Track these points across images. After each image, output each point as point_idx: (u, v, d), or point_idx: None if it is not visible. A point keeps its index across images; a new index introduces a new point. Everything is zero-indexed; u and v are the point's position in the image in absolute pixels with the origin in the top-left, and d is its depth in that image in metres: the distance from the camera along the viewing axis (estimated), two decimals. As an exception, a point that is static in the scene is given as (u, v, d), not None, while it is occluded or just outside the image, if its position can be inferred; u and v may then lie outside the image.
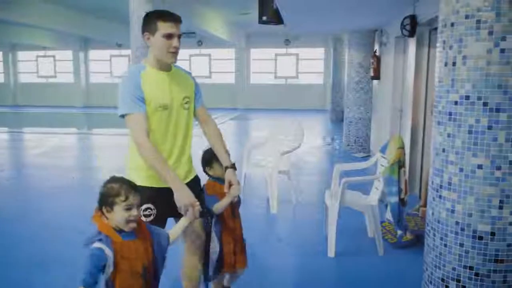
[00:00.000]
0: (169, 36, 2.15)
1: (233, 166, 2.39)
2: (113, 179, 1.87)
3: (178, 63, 2.36)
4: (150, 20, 2.18)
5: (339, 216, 3.58)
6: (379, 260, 3.58)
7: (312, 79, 17.85)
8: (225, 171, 2.37)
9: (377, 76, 7.38)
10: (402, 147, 3.59)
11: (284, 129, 5.63)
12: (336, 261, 3.55)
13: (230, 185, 2.36)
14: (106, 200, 1.80)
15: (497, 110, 2.03)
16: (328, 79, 15.45)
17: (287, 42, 17.17)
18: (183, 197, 2.08)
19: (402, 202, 3.56)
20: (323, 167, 7.48)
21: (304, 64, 17.92)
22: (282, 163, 5.03)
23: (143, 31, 2.22)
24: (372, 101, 8.13)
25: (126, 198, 1.79)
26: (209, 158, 2.54)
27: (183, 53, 17.70)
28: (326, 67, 17.05)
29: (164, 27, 2.15)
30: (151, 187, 2.19)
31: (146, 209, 2.12)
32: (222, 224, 2.52)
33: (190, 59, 17.78)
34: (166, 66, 2.25)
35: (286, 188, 5.13)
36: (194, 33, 14.68)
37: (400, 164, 3.52)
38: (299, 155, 7.67)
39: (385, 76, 7.06)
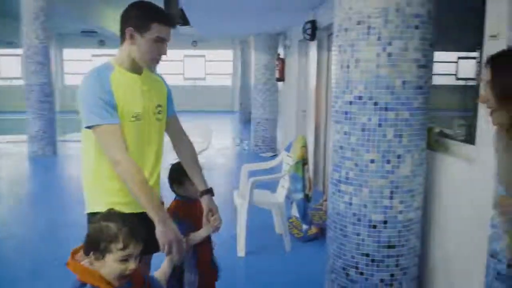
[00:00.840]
0: (161, 41, 1.81)
1: (211, 191, 2.05)
2: (111, 216, 1.43)
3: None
4: (143, 17, 1.79)
5: (248, 215, 3.65)
6: (287, 255, 3.72)
7: (221, 81, 17.95)
8: (201, 196, 2.04)
9: (282, 78, 7.65)
10: (305, 146, 3.77)
11: (192, 131, 5.60)
12: (246, 260, 3.61)
13: (209, 214, 2.03)
14: (96, 244, 1.35)
15: (386, 109, 2.22)
16: (237, 80, 15.65)
17: (194, 44, 17.07)
18: (168, 232, 1.71)
19: (306, 198, 3.74)
20: (232, 168, 7.56)
21: (213, 66, 17.97)
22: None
23: (126, 25, 1.81)
24: (278, 102, 8.41)
25: (125, 247, 1.36)
26: (179, 175, 2.18)
27: (84, 54, 16.77)
28: (234, 69, 17.25)
29: (159, 30, 1.78)
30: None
31: None
32: (197, 253, 2.20)
33: (92, 59, 16.91)
34: (138, 68, 1.88)
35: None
36: (95, 32, 13.99)
37: (304, 162, 3.68)
38: (209, 156, 7.67)
39: (289, 78, 7.34)
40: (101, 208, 1.69)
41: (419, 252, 2.46)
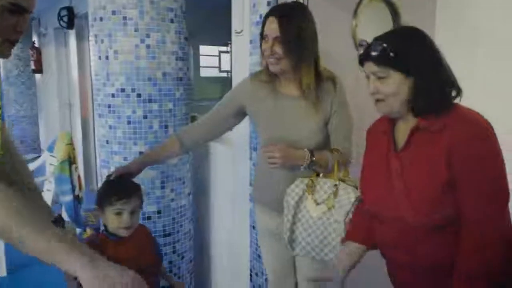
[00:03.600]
0: (18, 11, 1.07)
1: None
2: None
3: None
4: None
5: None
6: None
7: (-41, 73, 14.97)
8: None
9: (39, 70, 6.85)
10: (71, 143, 3.49)
11: None
12: (10, 278, 3.17)
13: None
14: None
15: (150, 101, 2.23)
16: (-18, 72, 13.31)
17: None
18: (110, 276, 0.91)
19: (77, 199, 3.48)
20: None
21: None
22: None
23: None
24: (38, 96, 7.53)
25: None
26: (105, 196, 1.66)
27: None
28: (-23, 59, 14.60)
29: None
30: None
31: None
32: None
33: None
34: None
35: None
36: None
37: (70, 160, 3.41)
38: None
39: (48, 69, 6.64)
40: None
41: (193, 236, 2.60)
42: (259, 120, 1.75)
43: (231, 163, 2.48)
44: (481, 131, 1.15)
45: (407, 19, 2.34)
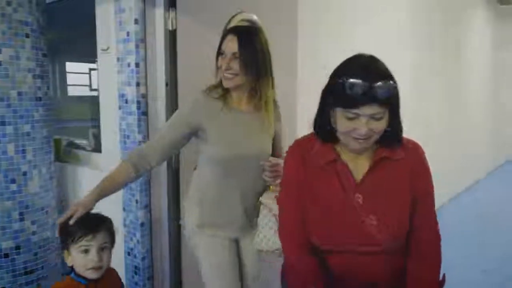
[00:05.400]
0: None
1: None
2: None
3: None
4: None
5: None
6: None
7: None
8: None
9: None
10: None
11: None
12: None
13: None
14: None
15: (3, 124, 2.00)
16: None
17: None
18: None
19: None
20: None
21: None
22: None
23: None
24: None
25: None
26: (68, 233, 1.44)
27: None
28: None
29: None
30: None
31: None
32: None
33: None
34: None
35: None
36: None
37: None
38: None
39: None
40: None
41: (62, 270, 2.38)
42: (214, 136, 1.67)
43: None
44: (424, 153, 1.28)
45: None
